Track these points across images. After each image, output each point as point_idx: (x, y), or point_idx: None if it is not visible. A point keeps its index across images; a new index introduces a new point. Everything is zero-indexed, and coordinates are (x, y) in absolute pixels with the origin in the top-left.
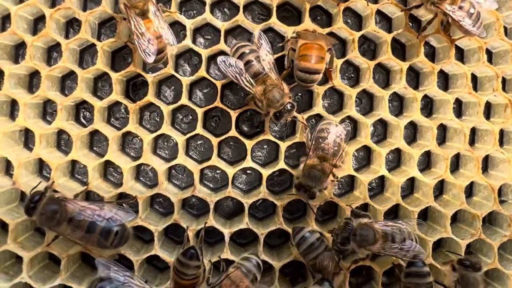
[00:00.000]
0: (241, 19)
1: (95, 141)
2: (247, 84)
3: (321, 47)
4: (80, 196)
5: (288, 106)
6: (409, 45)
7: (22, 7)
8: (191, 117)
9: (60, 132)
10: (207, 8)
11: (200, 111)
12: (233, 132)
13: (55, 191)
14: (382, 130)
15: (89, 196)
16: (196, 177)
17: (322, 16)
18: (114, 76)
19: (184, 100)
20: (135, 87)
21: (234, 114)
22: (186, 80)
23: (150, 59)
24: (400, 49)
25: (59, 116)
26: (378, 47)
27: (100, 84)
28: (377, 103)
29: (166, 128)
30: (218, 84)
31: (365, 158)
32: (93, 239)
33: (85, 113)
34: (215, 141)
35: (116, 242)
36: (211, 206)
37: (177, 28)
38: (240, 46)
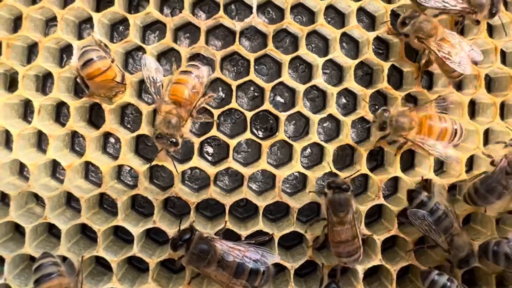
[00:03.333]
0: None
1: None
2: (439, 239)
3: None
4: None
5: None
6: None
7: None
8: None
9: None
10: (337, 46)
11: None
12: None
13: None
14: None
15: None
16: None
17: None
18: None
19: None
20: None
21: (364, 152)
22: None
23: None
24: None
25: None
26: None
27: None
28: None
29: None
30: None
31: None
32: (240, 282)
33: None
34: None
35: (262, 283)
36: None
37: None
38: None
